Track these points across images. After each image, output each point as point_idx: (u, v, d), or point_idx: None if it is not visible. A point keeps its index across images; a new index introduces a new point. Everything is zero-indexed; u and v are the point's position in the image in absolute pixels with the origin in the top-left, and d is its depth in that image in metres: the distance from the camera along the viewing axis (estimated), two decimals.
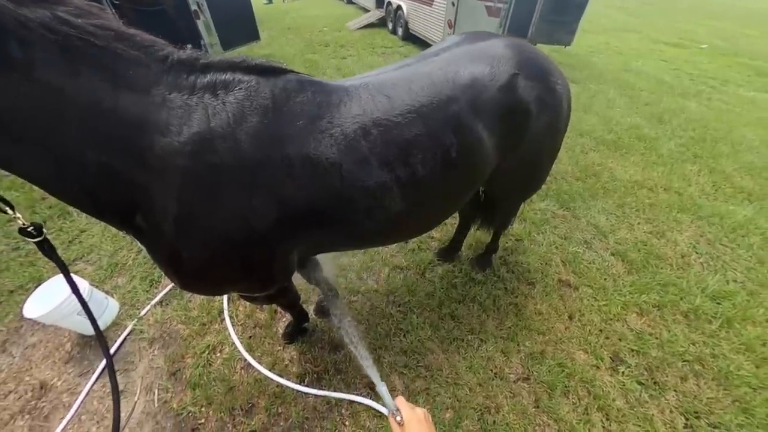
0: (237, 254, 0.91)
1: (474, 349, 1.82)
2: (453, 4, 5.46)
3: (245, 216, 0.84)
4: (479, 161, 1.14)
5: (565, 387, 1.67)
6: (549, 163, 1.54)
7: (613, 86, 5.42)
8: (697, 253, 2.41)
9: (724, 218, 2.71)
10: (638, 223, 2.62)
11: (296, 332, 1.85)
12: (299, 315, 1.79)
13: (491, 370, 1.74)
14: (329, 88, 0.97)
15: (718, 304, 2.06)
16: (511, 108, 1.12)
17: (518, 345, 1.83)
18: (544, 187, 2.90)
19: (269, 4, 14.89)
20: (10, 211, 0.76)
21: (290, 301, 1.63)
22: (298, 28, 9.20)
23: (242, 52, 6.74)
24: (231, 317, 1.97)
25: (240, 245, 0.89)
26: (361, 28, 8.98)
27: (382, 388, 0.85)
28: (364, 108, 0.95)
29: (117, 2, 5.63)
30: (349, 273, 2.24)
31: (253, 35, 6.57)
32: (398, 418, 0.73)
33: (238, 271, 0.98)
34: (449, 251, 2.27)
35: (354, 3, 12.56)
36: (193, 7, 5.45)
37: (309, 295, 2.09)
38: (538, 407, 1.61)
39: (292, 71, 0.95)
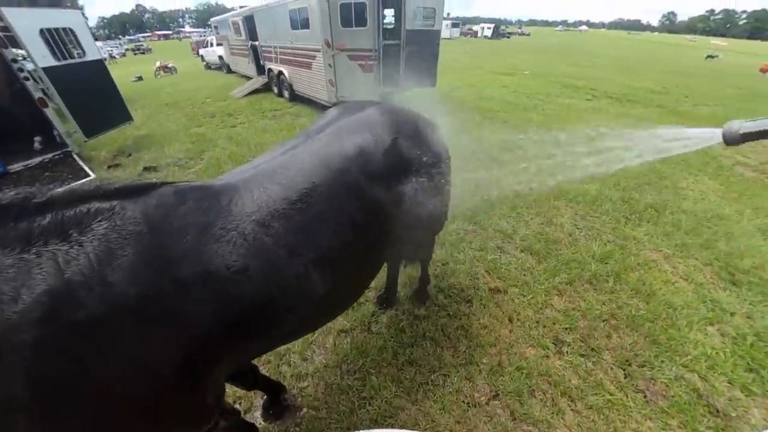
0: (141, 416, 0.72)
1: (441, 388, 1.75)
2: (330, 66, 6.00)
3: (142, 366, 0.68)
4: (386, 219, 1.17)
5: (530, 388, 1.72)
6: (446, 201, 1.66)
7: (476, 113, 6.60)
8: (578, 228, 2.94)
9: (585, 195, 3.42)
10: (531, 218, 3.09)
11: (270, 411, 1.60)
12: (244, 430, 1.49)
13: (463, 401, 1.69)
14: (215, 190, 0.89)
15: (606, 263, 2.51)
16: (399, 166, 1.19)
17: (478, 365, 1.84)
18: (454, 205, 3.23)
19: (139, 81, 13.89)
20: None
21: (232, 425, 1.36)
22: (177, 103, 8.73)
23: (111, 138, 5.96)
24: None
25: (144, 403, 0.71)
26: (247, 95, 9.03)
27: None
28: (259, 203, 0.89)
29: None
30: (292, 357, 1.97)
31: (123, 117, 5.92)
32: None
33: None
34: (388, 297, 2.23)
35: (234, 72, 12.69)
36: (37, 94, 4.64)
37: (252, 402, 1.74)
38: (515, 419, 1.61)
39: (165, 184, 0.85)
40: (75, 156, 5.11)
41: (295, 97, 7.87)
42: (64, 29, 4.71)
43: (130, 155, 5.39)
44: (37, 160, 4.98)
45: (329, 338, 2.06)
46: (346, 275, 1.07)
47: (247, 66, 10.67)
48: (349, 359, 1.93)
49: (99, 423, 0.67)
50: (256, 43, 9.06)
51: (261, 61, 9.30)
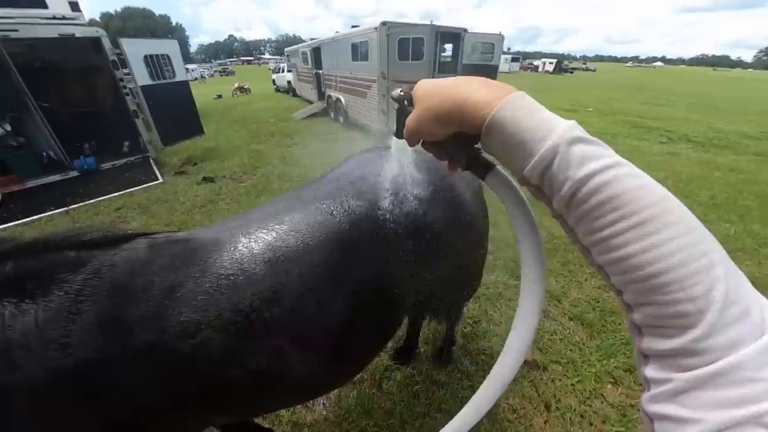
0: None
1: None
2: (383, 96, 6.18)
3: None
4: (394, 292, 0.96)
5: None
6: (476, 268, 1.43)
7: None
8: None
9: None
10: (585, 279, 2.65)
11: None
12: None
13: None
14: (193, 245, 0.79)
15: None
16: (417, 229, 0.97)
17: None
18: (490, 257, 2.93)
19: (219, 98, 15.89)
20: None
21: None
22: (245, 120, 9.69)
23: (184, 148, 6.74)
24: None
25: None
26: (306, 117, 9.71)
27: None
28: (240, 264, 0.76)
29: (46, 105, 5.47)
30: None
31: (196, 130, 6.69)
32: (398, 91, 0.46)
33: None
34: (405, 351, 2.00)
35: (299, 96, 13.88)
36: (132, 107, 5.47)
37: None
38: None
39: (140, 235, 0.79)
40: (152, 161, 5.85)
41: (350, 123, 8.24)
42: (162, 55, 5.55)
43: (195, 164, 5.99)
44: (123, 161, 5.80)
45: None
46: (337, 356, 0.89)
47: (310, 91, 11.59)
48: (351, 417, 1.73)
49: None
50: (320, 71, 9.82)
51: (322, 88, 10.02)
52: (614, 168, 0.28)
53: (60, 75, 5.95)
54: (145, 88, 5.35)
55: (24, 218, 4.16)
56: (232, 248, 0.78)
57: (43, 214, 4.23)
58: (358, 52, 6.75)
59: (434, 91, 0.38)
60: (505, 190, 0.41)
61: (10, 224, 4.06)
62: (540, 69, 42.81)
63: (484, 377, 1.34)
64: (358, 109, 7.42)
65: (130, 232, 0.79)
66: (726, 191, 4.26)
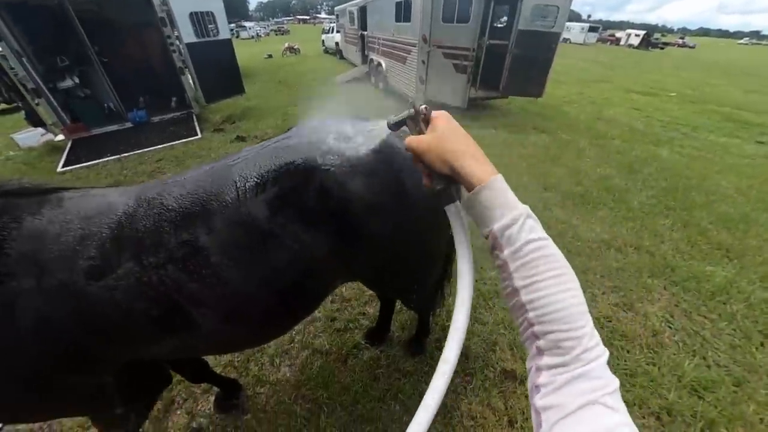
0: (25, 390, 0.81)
1: None
2: (423, 62, 5.73)
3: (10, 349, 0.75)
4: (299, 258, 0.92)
5: None
6: (422, 250, 1.21)
7: (584, 136, 5.43)
8: (671, 328, 2.08)
9: (701, 282, 2.41)
10: (603, 293, 2.32)
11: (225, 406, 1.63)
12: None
13: None
14: (108, 199, 0.88)
15: (699, 398, 1.69)
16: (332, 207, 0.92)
17: None
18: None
19: (269, 58, 16.14)
20: None
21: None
22: (288, 81, 9.77)
23: (227, 105, 7.03)
24: None
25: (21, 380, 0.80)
26: (348, 81, 9.49)
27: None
28: (146, 216, 0.84)
29: (106, 60, 5.98)
30: (263, 358, 1.92)
31: (237, 89, 6.87)
32: (421, 107, 0.53)
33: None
34: (378, 333, 1.96)
35: (345, 59, 13.54)
36: (179, 64, 5.73)
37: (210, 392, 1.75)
38: None
39: (61, 189, 0.90)
40: (194, 117, 6.19)
41: (388, 90, 7.89)
42: (207, 12, 5.63)
43: (233, 123, 6.24)
44: (170, 116, 6.22)
45: (303, 353, 1.94)
46: (238, 318, 0.93)
47: (354, 54, 11.21)
48: (310, 384, 1.77)
49: None
50: (365, 32, 9.36)
51: (366, 51, 9.61)
52: (547, 239, 0.43)
53: (116, 31, 6.38)
54: (189, 46, 5.52)
55: (86, 162, 4.72)
56: (144, 206, 0.85)
57: (100, 160, 4.77)
58: (402, 11, 6.24)
59: (448, 135, 0.49)
60: (456, 221, 0.55)
61: (76, 166, 4.65)
62: (623, 42, 36.40)
63: (453, 376, 1.47)
64: (398, 75, 7.02)
65: (52, 186, 0.89)
66: None
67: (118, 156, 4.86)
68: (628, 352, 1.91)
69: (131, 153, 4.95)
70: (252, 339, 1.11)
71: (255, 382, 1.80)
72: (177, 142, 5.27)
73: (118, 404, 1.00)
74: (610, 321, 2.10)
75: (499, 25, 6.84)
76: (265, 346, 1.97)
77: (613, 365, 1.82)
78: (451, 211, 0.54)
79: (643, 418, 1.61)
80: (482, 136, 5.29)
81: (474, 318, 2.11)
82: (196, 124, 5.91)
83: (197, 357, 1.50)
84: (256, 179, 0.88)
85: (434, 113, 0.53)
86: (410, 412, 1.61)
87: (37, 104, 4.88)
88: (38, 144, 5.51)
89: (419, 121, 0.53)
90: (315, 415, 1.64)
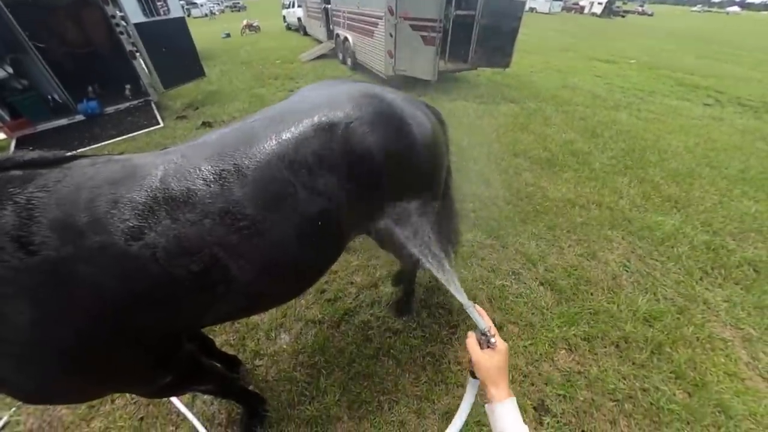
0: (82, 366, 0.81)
1: (385, 413, 1.58)
2: (391, 35, 5.61)
3: (62, 321, 0.74)
4: (327, 215, 1.01)
5: None
6: (423, 210, 1.38)
7: (550, 103, 5.64)
8: (627, 271, 2.34)
9: (653, 230, 2.69)
10: (569, 246, 2.54)
11: (253, 421, 1.55)
12: (248, 401, 1.55)
13: None
14: (133, 164, 0.88)
15: (650, 326, 1.95)
16: (351, 156, 1.02)
17: (433, 404, 1.61)
18: (472, 215, 2.83)
19: (227, 37, 15.05)
20: None
21: (219, 391, 1.41)
22: (251, 62, 9.22)
23: (187, 91, 6.59)
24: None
25: (78, 355, 0.79)
26: (314, 59, 9.11)
27: (471, 311, 0.80)
28: (176, 179, 0.85)
29: (42, 45, 5.37)
30: (259, 333, 1.97)
31: (197, 72, 6.43)
32: (492, 340, 0.73)
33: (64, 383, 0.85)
34: (405, 305, 2.02)
35: (309, 35, 12.88)
36: (128, 47, 5.25)
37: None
38: None
39: (83, 156, 0.88)
40: (153, 105, 5.78)
41: (357, 66, 7.69)
42: None
43: (197, 108, 5.89)
44: (125, 105, 5.77)
45: (297, 324, 2.01)
46: (273, 271, 0.99)
47: (318, 29, 10.68)
48: (306, 351, 1.87)
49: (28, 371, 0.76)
50: (329, 6, 8.92)
51: (331, 26, 9.20)
52: None
53: (49, 12, 5.68)
54: (138, 26, 5.06)
55: None
56: (172, 166, 0.86)
57: None
58: None
59: (500, 364, 0.71)
60: (470, 393, 0.80)
61: None
62: (586, 10, 37.01)
63: (438, 331, 1.66)
64: (366, 50, 6.84)
65: (71, 154, 0.87)
66: (763, 165, 3.78)
67: (73, 152, 4.49)
68: (591, 294, 2.14)
69: (87, 148, 4.60)
70: (283, 292, 1.16)
71: (253, 356, 1.86)
72: (138, 132, 4.94)
73: (164, 373, 1.01)
74: (576, 269, 2.32)
75: None
76: (259, 322, 2.02)
77: (580, 307, 2.05)
78: (472, 384, 0.80)
79: (605, 347, 1.85)
80: (453, 109, 5.36)
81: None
82: (156, 112, 5.53)
83: (226, 320, 1.45)
84: (283, 135, 0.94)
85: (500, 343, 0.74)
86: (402, 366, 1.76)
87: None
88: None
89: (486, 340, 0.74)
90: (315, 378, 1.74)
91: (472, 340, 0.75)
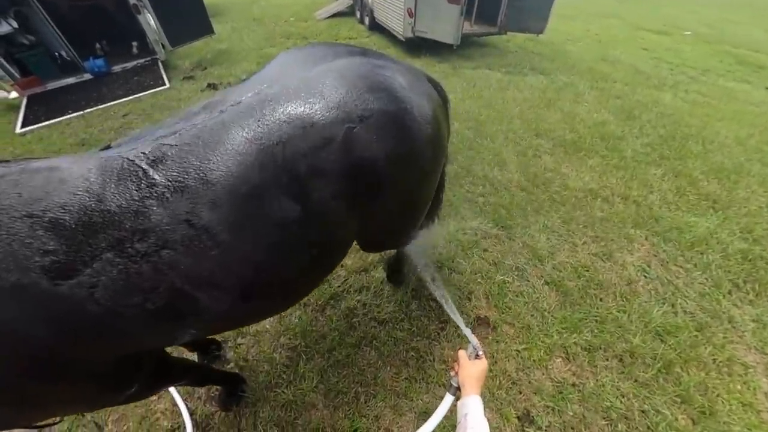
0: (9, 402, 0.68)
1: (361, 406, 1.54)
2: None
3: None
4: (321, 223, 0.87)
5: None
6: (417, 207, 1.25)
7: (585, 78, 5.05)
8: (646, 277, 2.11)
9: (683, 232, 2.40)
10: (584, 243, 2.31)
11: (230, 399, 1.56)
12: (226, 382, 1.56)
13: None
14: (62, 174, 0.68)
15: (661, 341, 1.77)
16: (353, 168, 0.86)
17: (411, 401, 1.54)
18: (480, 200, 2.61)
19: None
20: None
21: (197, 382, 1.44)
22: (263, 19, 8.72)
23: (196, 49, 6.32)
24: None
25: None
26: (330, 17, 8.50)
27: (466, 331, 1.04)
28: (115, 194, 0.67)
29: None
30: None
31: (205, 29, 6.09)
32: (479, 353, 0.92)
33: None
34: (394, 273, 1.99)
35: None
36: (132, 1, 4.98)
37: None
38: None
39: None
40: (160, 64, 5.58)
41: (375, 26, 7.11)
42: None
43: (205, 68, 5.66)
44: (132, 63, 5.60)
45: None
46: (247, 296, 0.83)
47: None
48: (289, 333, 1.82)
49: None
50: None
51: None
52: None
53: None
54: None
55: (47, 121, 4.32)
56: (109, 177, 0.68)
57: (62, 117, 4.36)
58: None
59: (474, 377, 0.86)
60: (445, 405, 0.90)
61: (36, 126, 4.25)
62: None
63: (426, 325, 1.56)
64: (385, 8, 6.25)
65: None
66: None
67: (81, 112, 4.45)
68: (601, 300, 1.95)
69: (95, 108, 4.52)
70: (268, 310, 1.06)
71: (236, 335, 1.83)
72: (143, 93, 4.81)
73: (128, 386, 0.91)
74: (588, 270, 2.12)
75: None
76: None
77: (585, 312, 1.87)
78: (448, 399, 0.90)
79: (607, 360, 1.69)
80: (474, 78, 4.89)
81: (451, 267, 2.11)
82: (162, 72, 5.35)
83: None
84: (264, 135, 0.75)
85: (482, 358, 0.91)
86: (384, 357, 1.68)
87: None
88: None
89: (474, 354, 0.93)
90: (294, 362, 1.70)
91: (461, 352, 0.92)
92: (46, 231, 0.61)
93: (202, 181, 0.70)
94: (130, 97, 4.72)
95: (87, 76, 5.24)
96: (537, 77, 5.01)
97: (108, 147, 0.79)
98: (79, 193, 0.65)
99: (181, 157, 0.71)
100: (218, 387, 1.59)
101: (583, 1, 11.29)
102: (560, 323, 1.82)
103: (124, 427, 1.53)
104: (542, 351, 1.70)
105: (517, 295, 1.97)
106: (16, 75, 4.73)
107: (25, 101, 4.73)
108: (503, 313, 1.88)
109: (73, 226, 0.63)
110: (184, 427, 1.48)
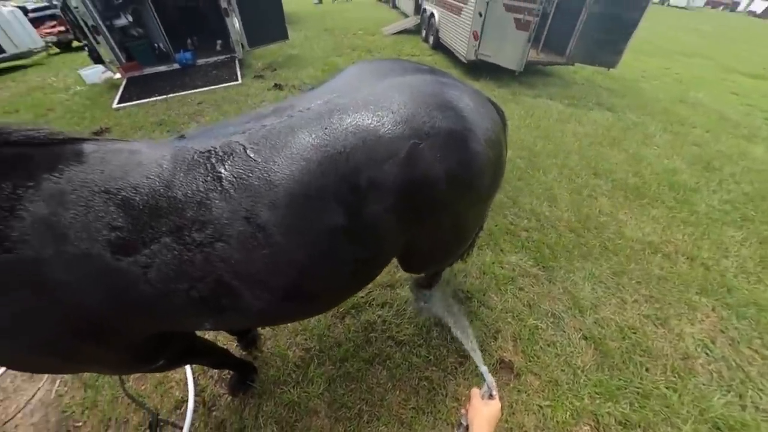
0: (52, 353, 0.75)
1: (363, 424, 1.49)
2: (480, 15, 5.04)
3: (31, 317, 0.67)
4: (369, 239, 0.87)
5: None
6: (464, 233, 1.22)
7: (657, 119, 4.63)
8: (708, 355, 1.82)
9: (764, 310, 2.05)
10: (635, 300, 2.06)
11: (239, 385, 1.61)
12: (239, 368, 1.60)
13: None
14: (139, 157, 0.74)
15: None
16: (411, 185, 0.84)
17: None
18: (523, 234, 2.47)
19: (319, 4, 15.34)
20: None
21: (214, 364, 1.52)
22: (334, 30, 9.27)
23: (270, 52, 6.89)
24: None
25: (48, 345, 0.73)
26: (396, 33, 8.79)
27: (483, 368, 0.95)
28: (182, 183, 0.71)
29: None
30: None
31: (281, 35, 6.64)
32: (493, 393, 0.85)
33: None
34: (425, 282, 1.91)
35: (397, 8, 12.47)
36: (224, 5, 5.61)
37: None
38: None
39: (88, 140, 0.74)
40: (237, 62, 6.16)
41: (438, 45, 7.21)
42: None
43: (274, 70, 6.14)
44: (214, 59, 6.25)
45: None
46: (290, 295, 0.84)
47: (407, 2, 10.25)
48: (305, 334, 1.86)
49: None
50: None
51: (420, 0, 8.71)
52: None
53: None
54: None
55: (137, 100, 4.97)
56: (179, 166, 0.73)
57: (149, 99, 4.99)
58: None
59: (489, 416, 0.78)
60: None
61: (128, 104, 4.91)
62: (740, 7, 29.30)
63: (445, 356, 1.64)
64: (450, 28, 6.32)
65: (70, 136, 0.74)
66: None
67: (164, 96, 5.05)
68: (647, 370, 1.72)
69: (176, 94, 5.11)
70: (305, 314, 1.09)
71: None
72: (218, 86, 5.33)
73: (154, 360, 0.98)
74: (635, 332, 1.88)
75: None
76: None
77: (626, 381, 1.66)
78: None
79: None
80: (534, 107, 4.71)
81: (481, 301, 2.00)
82: (238, 69, 5.90)
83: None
84: (330, 142, 0.77)
85: (496, 399, 0.83)
86: (395, 380, 1.62)
87: (98, 42, 5.12)
88: (100, 80, 5.88)
89: (488, 394, 0.85)
90: (305, 364, 1.71)
91: (478, 391, 0.85)
92: (117, 208, 0.67)
93: (265, 181, 0.72)
94: (206, 88, 5.25)
95: (175, 66, 5.96)
96: (602, 113, 4.70)
97: (182, 137, 0.86)
98: (151, 177, 0.70)
99: (248, 155, 0.75)
100: (231, 371, 1.64)
101: (666, 38, 10.48)
102: (594, 386, 1.63)
103: (142, 386, 1.65)
104: (568, 413, 1.53)
105: (548, 345, 1.80)
106: (123, 60, 5.52)
107: (124, 82, 5.49)
108: (530, 361, 1.73)
109: (140, 207, 0.68)
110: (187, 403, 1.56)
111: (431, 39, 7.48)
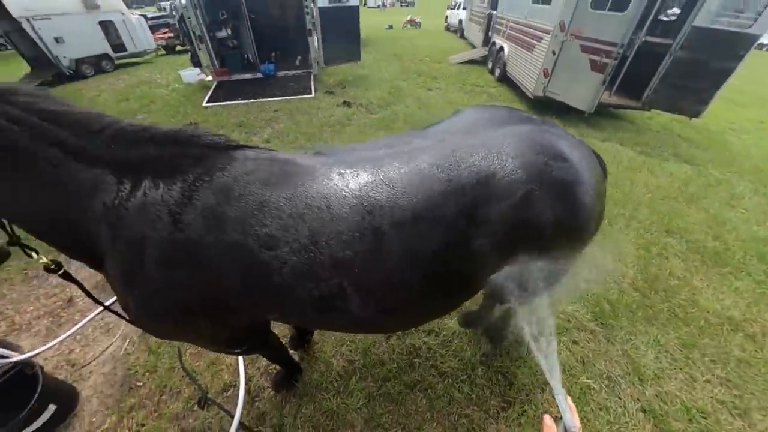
0: (175, 320, 0.90)
1: None
2: (554, 53, 5.02)
3: (178, 287, 0.82)
4: (472, 274, 0.94)
5: None
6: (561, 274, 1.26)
7: (747, 178, 4.16)
8: None
9: None
10: (707, 380, 1.85)
11: (284, 382, 1.72)
12: (288, 367, 1.71)
13: None
14: (293, 167, 0.88)
15: None
16: (520, 225, 0.90)
17: None
18: (582, 285, 2.35)
19: (389, 29, 16.30)
20: (35, 255, 0.92)
21: (272, 358, 1.63)
22: (402, 55, 9.75)
23: (342, 70, 7.45)
24: None
25: (177, 312, 0.88)
26: (462, 63, 9.00)
27: (560, 397, 0.76)
28: (324, 196, 0.82)
29: (253, 16, 6.87)
30: None
31: (354, 56, 7.20)
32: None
33: (181, 334, 1.01)
34: (474, 317, 1.97)
35: (465, 38, 12.77)
36: (309, 26, 6.25)
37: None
38: None
39: (248, 147, 0.91)
40: (312, 77, 6.76)
41: (504, 78, 7.25)
42: None
43: (344, 87, 6.62)
44: (293, 72, 6.92)
45: None
46: (393, 309, 0.93)
47: (476, 34, 10.49)
48: (351, 347, 1.92)
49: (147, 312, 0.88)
50: (494, 12, 8.58)
51: (490, 32, 8.87)
52: None
53: None
54: (321, 10, 5.95)
55: (223, 101, 5.68)
56: (325, 182, 0.84)
57: (233, 102, 5.67)
58: None
59: None
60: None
61: (215, 104, 5.62)
62: None
63: (488, 397, 1.58)
64: (518, 63, 6.34)
65: (237, 143, 0.91)
66: None
67: (246, 101, 5.70)
68: None
69: (256, 100, 5.75)
70: (395, 327, 1.22)
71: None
72: (293, 97, 5.89)
73: (239, 345, 1.13)
74: (706, 418, 1.68)
75: (664, 18, 5.44)
76: None
77: None
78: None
79: None
80: (603, 151, 4.49)
81: (530, 349, 1.93)
82: (312, 84, 6.47)
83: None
84: (456, 178, 0.85)
85: None
86: (435, 411, 1.63)
87: (200, 49, 6.00)
88: (195, 81, 6.83)
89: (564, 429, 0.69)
90: (348, 375, 1.77)
91: (549, 422, 0.67)
92: (269, 208, 0.79)
93: (395, 203, 0.81)
94: (283, 98, 5.82)
95: (258, 75, 6.71)
96: (680, 165, 4.34)
97: (318, 153, 1.00)
98: (299, 186, 0.82)
99: (380, 179, 0.84)
100: (278, 367, 1.75)
101: (764, 86, 9.41)
102: None
103: (196, 363, 1.83)
104: None
105: (601, 409, 1.69)
106: (216, 65, 6.37)
107: (215, 85, 6.30)
108: (580, 422, 1.63)
109: (289, 211, 0.79)
110: (238, 390, 1.62)
111: (497, 71, 7.54)
